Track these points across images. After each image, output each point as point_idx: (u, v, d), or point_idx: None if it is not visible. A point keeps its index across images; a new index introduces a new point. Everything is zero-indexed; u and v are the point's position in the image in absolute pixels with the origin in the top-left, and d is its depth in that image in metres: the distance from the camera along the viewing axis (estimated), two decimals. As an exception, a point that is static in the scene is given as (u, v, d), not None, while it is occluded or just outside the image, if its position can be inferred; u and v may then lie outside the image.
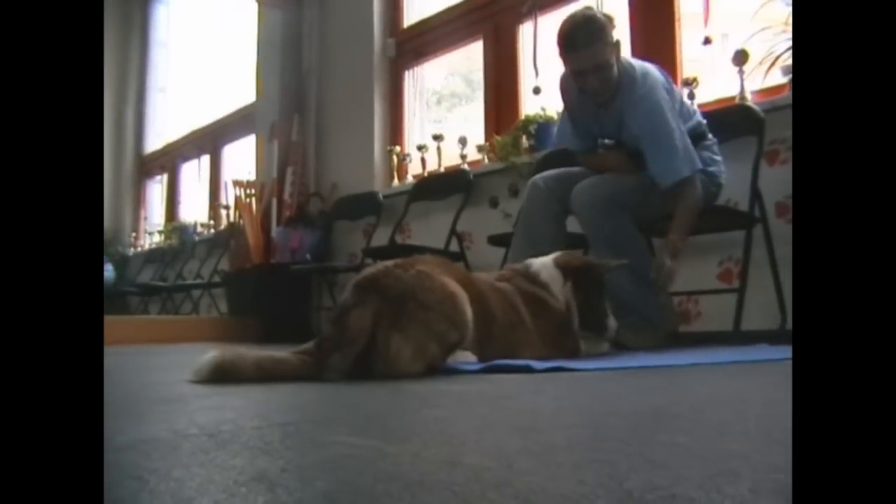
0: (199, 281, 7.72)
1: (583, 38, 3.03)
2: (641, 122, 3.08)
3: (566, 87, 3.38)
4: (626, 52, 3.21)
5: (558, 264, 2.54)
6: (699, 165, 3.13)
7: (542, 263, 2.56)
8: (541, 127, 4.78)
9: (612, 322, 2.62)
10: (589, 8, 3.25)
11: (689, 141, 3.11)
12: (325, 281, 6.18)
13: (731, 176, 3.36)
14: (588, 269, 2.56)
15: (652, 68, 3.19)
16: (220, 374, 1.82)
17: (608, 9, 3.93)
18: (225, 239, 7.33)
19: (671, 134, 3.06)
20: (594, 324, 2.57)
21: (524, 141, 4.86)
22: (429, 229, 5.34)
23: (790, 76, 3.68)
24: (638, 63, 3.19)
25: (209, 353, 1.86)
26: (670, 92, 3.19)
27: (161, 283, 8.32)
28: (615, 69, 3.11)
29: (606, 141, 3.48)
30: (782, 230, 3.49)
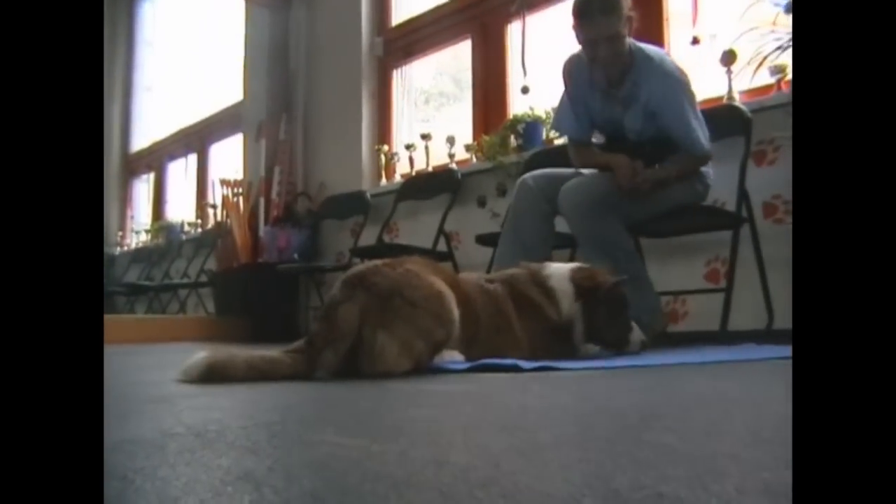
0: (186, 280, 7.70)
1: (599, 6, 3.07)
2: (662, 96, 3.15)
3: (572, 70, 3.39)
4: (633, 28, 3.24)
5: (574, 279, 2.47)
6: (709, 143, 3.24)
7: (558, 271, 2.51)
8: (529, 126, 4.78)
9: (635, 335, 2.58)
10: None
11: (701, 118, 3.23)
12: (312, 280, 6.17)
13: (719, 176, 3.37)
14: (602, 291, 2.48)
15: (665, 53, 3.25)
16: (212, 375, 1.82)
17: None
18: (212, 238, 7.31)
19: (694, 106, 3.17)
20: (615, 340, 2.54)
21: (512, 140, 4.86)
22: (416, 229, 5.34)
23: (778, 76, 3.69)
24: (651, 46, 3.24)
25: (200, 354, 1.86)
26: (686, 77, 3.25)
27: (148, 283, 8.28)
28: (627, 43, 3.14)
29: (595, 140, 3.48)
30: (769, 230, 3.51)
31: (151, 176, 9.81)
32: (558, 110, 3.59)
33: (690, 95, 3.21)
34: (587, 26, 3.12)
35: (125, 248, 9.56)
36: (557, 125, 3.75)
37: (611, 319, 2.51)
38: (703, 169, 3.30)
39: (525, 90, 4.90)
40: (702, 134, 3.17)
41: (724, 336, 3.22)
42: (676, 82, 3.16)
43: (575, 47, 3.29)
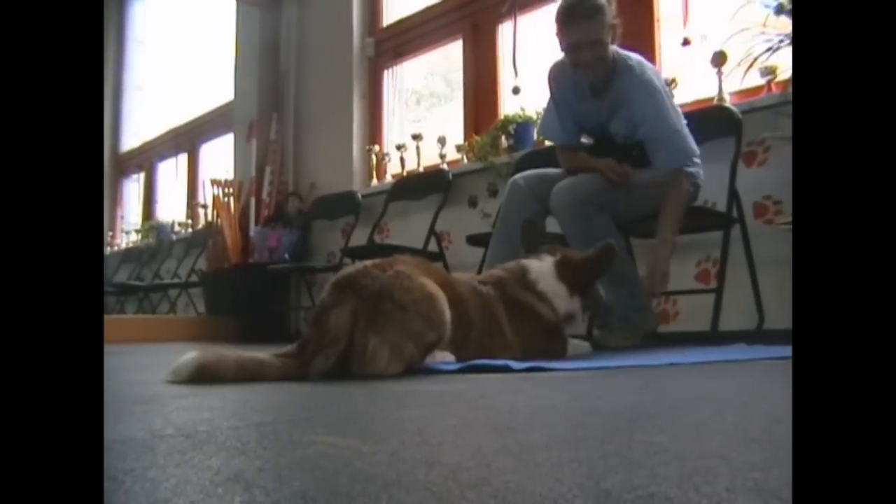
0: (176, 280, 7.68)
1: (582, 10, 3.07)
2: (642, 105, 3.12)
3: (557, 76, 3.39)
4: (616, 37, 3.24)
5: (562, 276, 2.45)
6: (696, 152, 3.19)
7: (542, 272, 2.46)
8: (520, 127, 4.79)
9: (602, 292, 2.60)
10: None
11: (686, 128, 3.17)
12: (303, 280, 6.17)
13: (709, 176, 3.38)
14: (593, 273, 2.49)
15: (645, 60, 3.23)
16: (201, 376, 1.81)
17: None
18: (202, 238, 7.29)
19: (672, 118, 3.13)
20: (596, 309, 2.55)
21: (503, 141, 4.87)
22: (407, 229, 5.33)
23: (768, 77, 3.71)
24: (632, 54, 3.23)
25: (189, 354, 1.84)
26: (663, 83, 3.23)
27: (138, 283, 8.26)
28: (609, 50, 3.14)
29: (585, 141, 3.49)
30: (760, 231, 3.52)
31: (141, 176, 9.80)
32: (544, 116, 3.61)
33: (672, 102, 3.20)
34: (570, 31, 3.12)
35: (115, 248, 9.54)
36: (544, 131, 3.76)
37: (595, 294, 2.54)
38: (693, 169, 3.31)
39: (516, 90, 4.91)
40: (683, 143, 3.14)
41: (714, 336, 3.23)
42: (653, 91, 3.13)
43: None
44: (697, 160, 3.31)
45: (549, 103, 3.52)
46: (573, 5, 3.10)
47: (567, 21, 3.12)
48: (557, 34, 3.18)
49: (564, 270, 2.47)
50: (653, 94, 3.12)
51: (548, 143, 4.46)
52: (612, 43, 3.16)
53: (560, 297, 2.43)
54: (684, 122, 3.27)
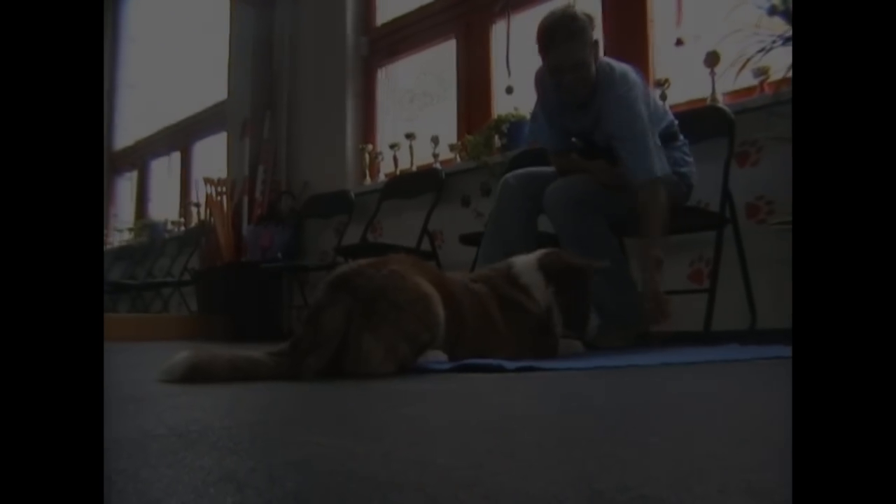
0: (169, 279, 7.67)
1: (563, 33, 3.04)
2: (618, 120, 3.08)
3: (542, 81, 3.38)
4: (600, 53, 3.22)
5: (542, 266, 2.49)
6: (668, 170, 3.13)
7: (525, 264, 2.51)
8: (513, 126, 4.80)
9: (593, 319, 2.60)
10: (570, 6, 3.26)
11: (660, 145, 3.12)
12: (295, 279, 6.17)
13: (702, 177, 3.38)
14: (572, 272, 2.53)
15: (629, 69, 3.19)
16: (194, 375, 1.80)
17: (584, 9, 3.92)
18: (195, 237, 7.28)
19: (646, 133, 3.07)
20: (577, 323, 2.56)
21: (496, 140, 4.88)
22: (400, 228, 5.33)
23: (761, 78, 3.71)
24: (616, 64, 3.20)
25: (182, 353, 1.84)
26: (646, 94, 3.20)
27: (131, 281, 8.24)
28: (593, 69, 3.12)
29: (574, 140, 3.49)
30: (753, 231, 3.52)
31: (134, 174, 9.77)
32: (532, 120, 3.61)
33: (649, 119, 3.13)
34: (552, 55, 3.10)
35: (108, 246, 9.51)
36: (535, 136, 3.76)
37: (576, 300, 2.53)
38: (685, 169, 3.31)
39: (509, 90, 4.91)
40: (654, 157, 3.06)
41: (707, 336, 3.24)
42: (630, 106, 3.08)
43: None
44: (689, 158, 3.31)
45: (536, 107, 3.52)
46: (553, 26, 3.07)
47: (548, 44, 3.09)
48: (539, 53, 3.16)
49: (545, 260, 2.52)
50: (628, 111, 3.08)
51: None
52: (595, 61, 3.14)
53: (539, 288, 2.45)
54: (675, 123, 3.27)
